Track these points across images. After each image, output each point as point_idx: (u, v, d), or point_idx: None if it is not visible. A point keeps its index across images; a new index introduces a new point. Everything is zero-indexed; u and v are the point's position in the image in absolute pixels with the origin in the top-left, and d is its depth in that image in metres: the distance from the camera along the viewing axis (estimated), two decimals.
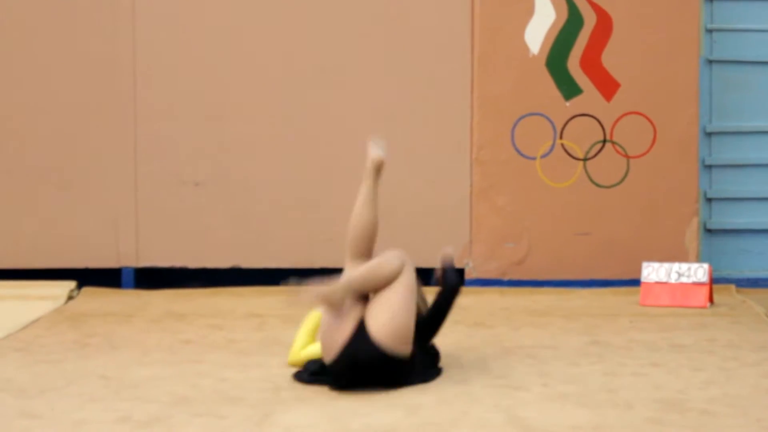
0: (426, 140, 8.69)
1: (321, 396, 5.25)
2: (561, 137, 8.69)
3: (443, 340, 6.67)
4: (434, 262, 8.60)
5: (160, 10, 8.68)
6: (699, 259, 8.64)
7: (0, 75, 8.71)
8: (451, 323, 7.23)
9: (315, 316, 5.80)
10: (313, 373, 5.48)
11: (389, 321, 5.26)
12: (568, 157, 8.70)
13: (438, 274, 5.84)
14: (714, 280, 8.21)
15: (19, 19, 8.68)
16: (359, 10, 8.69)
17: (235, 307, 7.89)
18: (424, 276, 8.66)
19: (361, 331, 5.23)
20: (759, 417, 4.91)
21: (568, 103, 8.68)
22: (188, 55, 8.72)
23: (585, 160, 8.70)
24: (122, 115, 8.70)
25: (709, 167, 9.09)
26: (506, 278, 8.65)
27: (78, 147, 8.71)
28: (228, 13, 8.70)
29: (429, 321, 5.68)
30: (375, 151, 5.99)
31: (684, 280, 7.91)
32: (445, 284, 5.74)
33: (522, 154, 8.68)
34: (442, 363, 5.84)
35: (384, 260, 5.42)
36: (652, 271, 8.01)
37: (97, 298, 8.31)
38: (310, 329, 5.82)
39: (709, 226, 9.07)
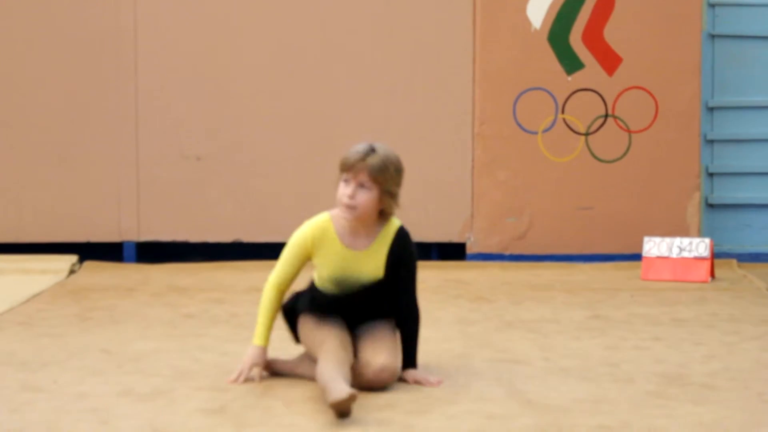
0: (427, 115, 8.69)
1: None
2: (563, 112, 8.68)
3: (443, 313, 6.67)
4: (435, 237, 8.67)
5: None
6: (700, 234, 8.64)
7: (2, 50, 8.69)
8: (452, 297, 7.25)
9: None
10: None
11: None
12: (569, 131, 8.69)
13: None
14: (715, 255, 8.21)
15: None
16: None
17: (237, 281, 7.89)
18: (424, 250, 8.67)
19: None
20: (760, 391, 4.92)
21: (569, 78, 8.67)
22: (190, 31, 8.70)
23: (587, 134, 8.69)
24: (124, 90, 8.70)
25: (711, 142, 9.09)
26: (507, 253, 8.66)
27: (80, 122, 8.71)
28: None
29: None
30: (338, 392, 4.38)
31: (685, 254, 7.91)
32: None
33: (523, 129, 8.68)
34: (443, 338, 5.84)
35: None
36: (654, 246, 8.01)
37: (99, 272, 8.32)
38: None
39: (710, 201, 9.08)
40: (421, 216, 8.23)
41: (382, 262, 4.92)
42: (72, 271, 8.28)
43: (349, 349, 4.78)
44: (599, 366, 5.39)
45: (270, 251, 8.59)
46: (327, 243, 4.92)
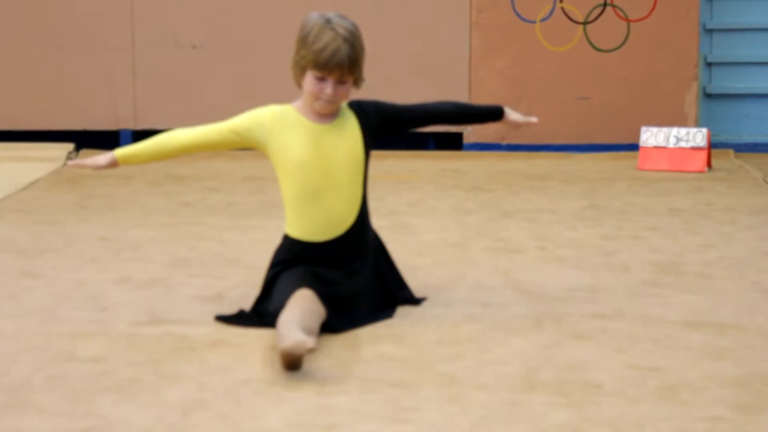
0: (424, 3, 8.62)
1: None
2: (561, 0, 8.62)
3: (439, 203, 6.69)
4: (431, 127, 8.64)
5: None
6: (698, 124, 8.64)
7: None
8: (449, 187, 7.27)
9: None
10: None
11: None
12: (567, 20, 8.64)
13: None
14: (712, 145, 8.21)
15: None
16: None
17: (234, 170, 7.90)
18: (421, 140, 8.68)
19: None
20: (754, 280, 4.95)
21: None
22: None
23: (585, 23, 8.64)
24: None
25: (710, 31, 9.05)
26: (505, 142, 8.66)
27: (75, 8, 8.66)
28: None
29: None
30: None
31: (682, 144, 7.91)
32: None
33: (522, 18, 8.63)
34: (440, 228, 5.86)
35: None
36: (651, 136, 8.01)
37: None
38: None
39: (708, 91, 9.06)
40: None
41: (359, 137, 4.40)
42: (68, 159, 8.28)
43: (320, 302, 4.16)
44: (595, 255, 5.42)
45: None
46: (290, 121, 4.39)
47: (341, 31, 4.24)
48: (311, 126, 4.34)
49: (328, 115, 4.35)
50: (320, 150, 4.32)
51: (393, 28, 8.63)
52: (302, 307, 4.00)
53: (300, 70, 4.35)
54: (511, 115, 4.60)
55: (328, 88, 4.26)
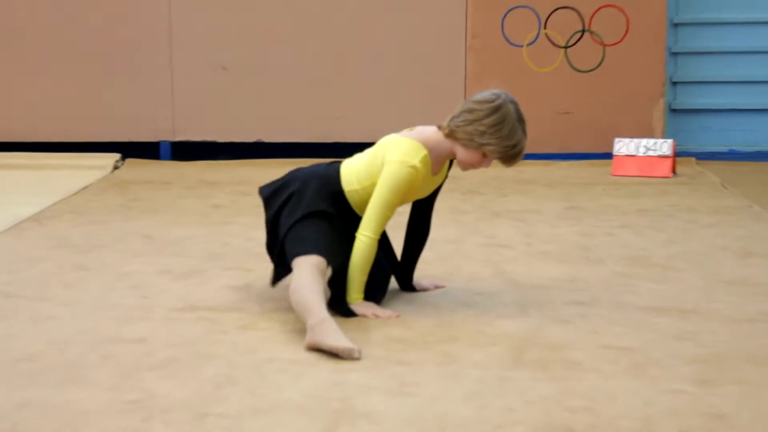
0: (425, 30, 8.63)
1: None
2: (545, 27, 8.62)
3: (439, 204, 6.69)
4: None
5: None
6: (664, 135, 8.64)
7: None
8: (447, 191, 7.23)
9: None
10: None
11: None
12: (550, 45, 8.64)
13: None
14: (677, 154, 8.21)
15: None
16: None
17: (259, 176, 7.88)
18: None
19: None
20: (713, 271, 4.96)
21: None
22: None
23: (566, 48, 8.64)
24: (158, 7, 8.65)
25: (675, 54, 9.05)
26: None
27: (121, 35, 8.68)
28: None
29: None
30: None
31: (650, 153, 7.91)
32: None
33: (510, 42, 8.63)
34: (440, 226, 5.85)
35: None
36: (623, 146, 8.01)
37: (139, 168, 8.34)
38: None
39: (673, 107, 9.06)
40: (419, 121, 8.21)
41: (438, 184, 4.33)
42: (116, 167, 8.30)
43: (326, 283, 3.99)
44: (574, 250, 5.43)
45: (287, 150, 8.66)
46: (421, 178, 4.14)
47: (525, 131, 4.06)
48: (426, 179, 4.18)
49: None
50: (418, 192, 4.24)
51: (398, 52, 8.63)
52: (321, 283, 3.92)
53: (474, 145, 4.04)
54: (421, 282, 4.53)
55: (487, 164, 4.10)
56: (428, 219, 4.51)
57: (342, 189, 4.18)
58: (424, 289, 4.53)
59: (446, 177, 4.38)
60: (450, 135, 4.08)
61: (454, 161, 4.25)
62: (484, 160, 4.08)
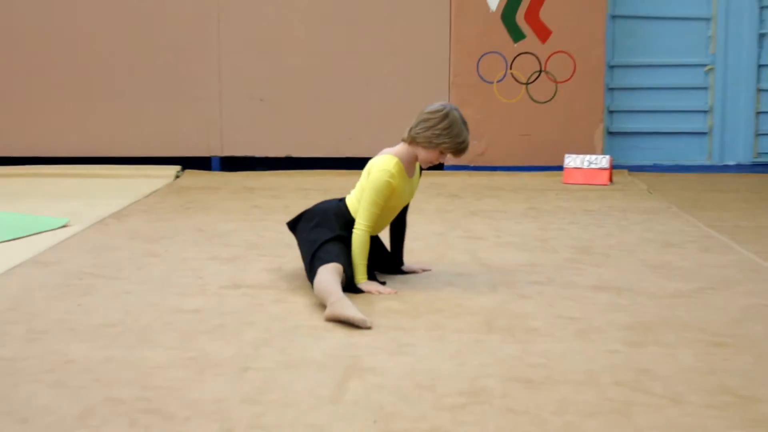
0: (418, 70, 8.64)
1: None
2: (511, 68, 8.62)
3: (427, 206, 6.71)
4: None
5: None
6: (603, 152, 8.64)
7: (115, 26, 8.64)
8: (434, 195, 7.29)
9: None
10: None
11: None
12: (515, 82, 8.64)
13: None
14: (613, 167, 8.23)
15: None
16: None
17: (288, 183, 7.93)
18: None
19: None
20: (642, 258, 4.97)
21: (515, 45, 8.60)
22: (259, 16, 8.64)
23: (527, 84, 8.64)
24: (210, 52, 8.66)
25: (612, 89, 9.05)
26: (473, 165, 8.67)
27: (182, 74, 8.69)
28: None
29: None
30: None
31: (593, 166, 7.91)
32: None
33: (484, 80, 8.63)
34: (428, 222, 5.85)
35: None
36: (572, 160, 8.01)
37: (195, 177, 8.35)
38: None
39: (610, 130, 9.06)
40: None
41: (416, 185, 4.35)
42: (177, 176, 8.31)
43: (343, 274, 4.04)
44: (533, 241, 5.43)
45: (310, 163, 8.67)
46: (400, 180, 4.19)
47: (468, 130, 4.17)
48: (405, 182, 4.22)
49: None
50: (401, 196, 4.24)
51: (396, 87, 8.64)
52: (338, 277, 3.98)
53: (432, 146, 4.12)
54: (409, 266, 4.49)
55: (443, 159, 4.20)
56: (404, 217, 4.52)
57: (352, 217, 4.24)
58: (413, 272, 4.55)
59: (420, 176, 4.39)
60: (412, 142, 4.19)
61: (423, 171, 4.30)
62: (440, 156, 4.18)
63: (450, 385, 3.02)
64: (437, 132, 4.11)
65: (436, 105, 4.19)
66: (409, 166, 4.24)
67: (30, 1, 8.63)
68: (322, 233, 4.17)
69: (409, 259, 4.72)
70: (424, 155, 4.17)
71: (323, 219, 4.23)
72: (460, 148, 4.14)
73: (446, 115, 4.12)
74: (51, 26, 8.65)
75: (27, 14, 8.64)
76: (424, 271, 4.58)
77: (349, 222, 4.23)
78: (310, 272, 4.09)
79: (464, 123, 4.16)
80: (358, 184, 4.28)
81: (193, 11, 8.64)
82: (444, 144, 4.12)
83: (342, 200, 4.33)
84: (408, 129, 4.18)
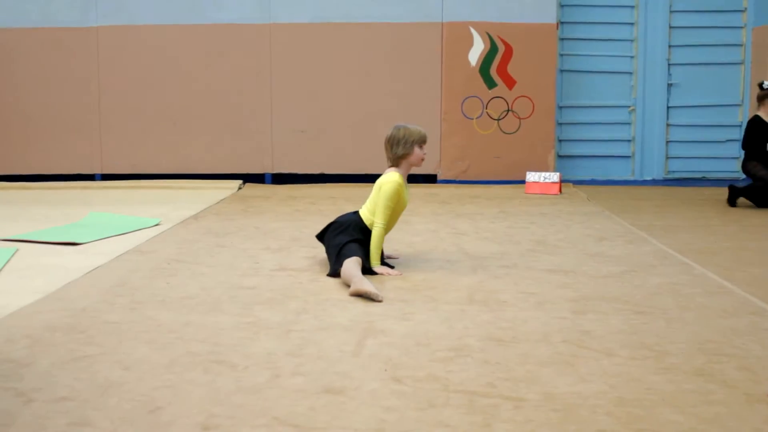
0: (415, 108, 8.61)
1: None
2: (486, 108, 8.60)
3: (424, 210, 6.70)
4: (420, 171, 8.66)
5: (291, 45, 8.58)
6: (555, 169, 8.60)
7: (198, 76, 8.65)
8: (428, 202, 7.27)
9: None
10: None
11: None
12: (489, 118, 8.62)
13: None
14: (562, 181, 8.19)
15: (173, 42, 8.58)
16: (368, 48, 8.56)
17: (322, 193, 7.93)
18: (416, 178, 8.68)
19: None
20: (583, 249, 4.95)
21: (490, 90, 8.57)
22: (303, 67, 8.64)
23: (498, 120, 8.62)
24: (262, 91, 8.66)
25: (561, 124, 9.02)
26: (458, 179, 8.64)
27: (242, 110, 8.68)
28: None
29: None
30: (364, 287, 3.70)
31: (547, 180, 7.89)
32: None
33: (466, 116, 8.61)
34: (424, 222, 5.82)
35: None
36: (532, 176, 7.98)
37: (252, 189, 8.34)
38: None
39: (560, 154, 9.02)
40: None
41: (408, 196, 4.34)
42: (239, 188, 8.31)
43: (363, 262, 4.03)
44: (502, 236, 5.42)
45: (339, 178, 8.65)
46: (402, 188, 4.21)
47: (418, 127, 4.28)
48: (404, 190, 4.25)
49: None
50: (402, 202, 4.26)
51: (398, 121, 8.55)
52: (358, 265, 3.99)
53: (410, 147, 4.21)
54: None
55: (424, 152, 4.25)
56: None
57: (366, 225, 4.24)
58: (391, 258, 4.47)
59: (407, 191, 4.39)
60: (399, 159, 4.26)
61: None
62: (420, 150, 4.23)
63: (441, 343, 3.02)
64: (405, 138, 4.22)
65: (392, 129, 4.27)
66: (405, 176, 4.29)
67: (148, 55, 8.64)
68: (344, 238, 4.17)
69: (410, 249, 4.71)
70: (413, 158, 4.24)
71: (344, 228, 4.23)
72: (423, 135, 4.24)
73: (398, 129, 4.25)
74: (158, 77, 8.66)
75: (149, 66, 8.66)
76: (396, 258, 4.50)
77: (363, 229, 4.22)
78: (336, 264, 4.08)
79: (413, 126, 4.27)
80: (370, 198, 4.28)
81: (253, 66, 8.63)
82: (414, 138, 4.21)
83: (356, 213, 4.33)
84: (389, 159, 4.25)
